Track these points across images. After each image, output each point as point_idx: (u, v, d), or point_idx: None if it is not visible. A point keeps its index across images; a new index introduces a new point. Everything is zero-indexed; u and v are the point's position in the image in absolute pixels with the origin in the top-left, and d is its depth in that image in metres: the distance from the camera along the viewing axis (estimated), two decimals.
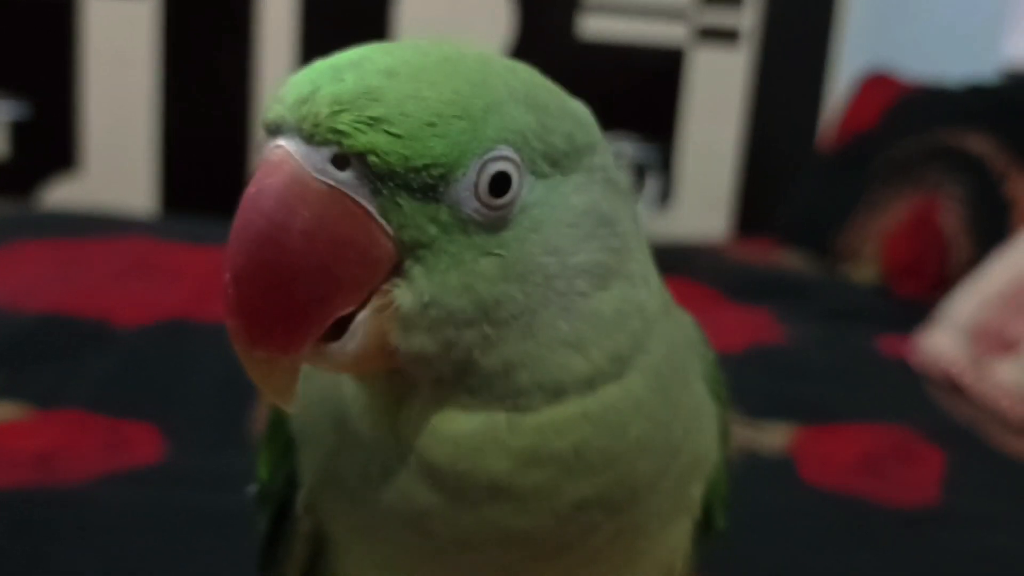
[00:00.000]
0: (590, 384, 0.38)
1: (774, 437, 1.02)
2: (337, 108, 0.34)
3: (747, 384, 1.13)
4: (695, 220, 2.26)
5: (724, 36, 2.22)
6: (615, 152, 0.42)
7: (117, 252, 1.39)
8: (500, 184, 0.36)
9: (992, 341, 1.18)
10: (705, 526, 0.47)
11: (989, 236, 1.45)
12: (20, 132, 2.17)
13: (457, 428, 0.37)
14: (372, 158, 0.34)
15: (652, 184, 2.21)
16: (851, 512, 0.89)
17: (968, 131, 1.60)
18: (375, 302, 0.35)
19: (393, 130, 0.34)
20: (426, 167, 0.34)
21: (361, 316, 0.35)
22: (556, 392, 0.38)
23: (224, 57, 2.18)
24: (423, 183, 0.34)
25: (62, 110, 2.17)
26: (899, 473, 0.97)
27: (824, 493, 0.92)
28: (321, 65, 0.36)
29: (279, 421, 0.46)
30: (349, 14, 2.18)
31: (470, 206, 0.35)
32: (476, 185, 0.35)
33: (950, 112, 1.67)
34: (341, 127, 0.34)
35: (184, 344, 1.13)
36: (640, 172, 2.20)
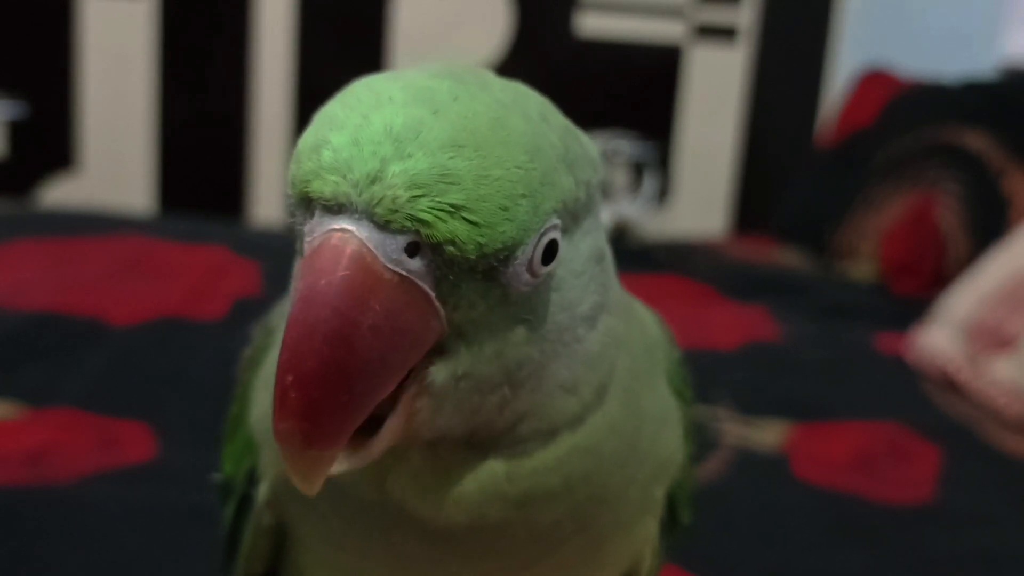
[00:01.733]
0: (580, 420, 0.38)
1: (769, 434, 1.01)
2: (416, 192, 0.31)
3: (743, 381, 1.13)
4: (693, 218, 2.25)
5: (722, 34, 2.22)
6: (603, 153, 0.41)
7: (112, 250, 1.39)
8: (548, 253, 0.35)
9: (989, 338, 1.18)
10: (671, 522, 0.47)
11: (986, 233, 1.45)
12: (18, 131, 2.16)
13: (459, 491, 0.36)
14: (449, 248, 0.32)
15: (650, 182, 2.21)
16: (846, 510, 0.89)
17: (966, 128, 1.59)
18: (409, 392, 0.34)
19: (472, 218, 0.32)
20: (495, 252, 0.33)
21: (390, 420, 0.34)
22: (551, 434, 0.38)
23: (221, 57, 2.18)
24: (488, 266, 0.33)
25: (60, 109, 2.16)
26: (895, 471, 0.97)
27: (819, 491, 0.92)
28: (367, 128, 0.32)
29: (239, 416, 0.46)
30: (346, 11, 2.18)
31: (522, 280, 0.34)
32: (531, 260, 0.34)
33: (948, 109, 1.66)
34: (422, 215, 0.31)
35: (177, 343, 1.13)
36: (638, 170, 2.20)
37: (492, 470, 0.37)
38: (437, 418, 0.35)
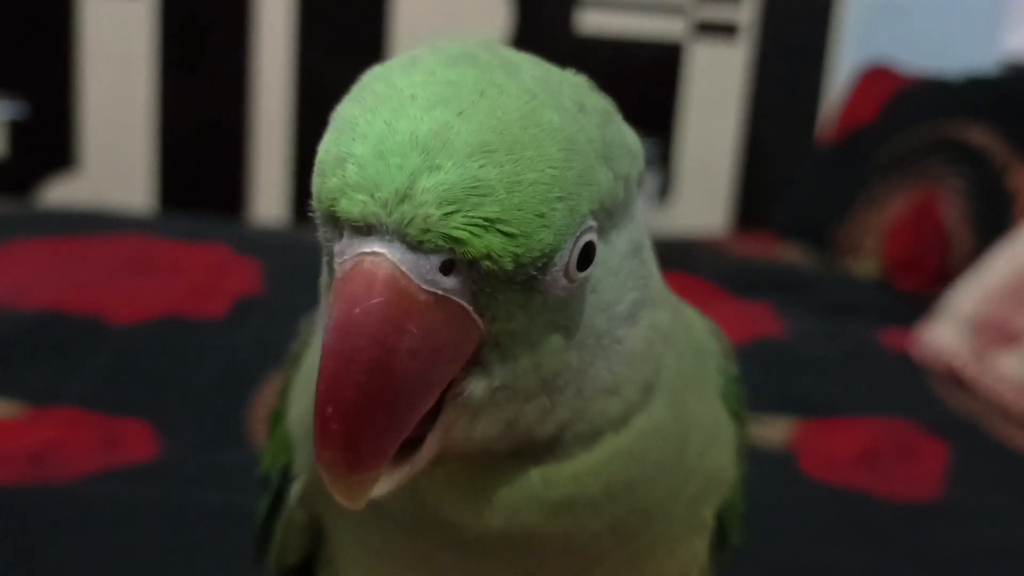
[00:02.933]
0: (624, 420, 0.37)
1: (775, 431, 1.01)
2: (449, 209, 0.30)
3: (748, 378, 1.12)
4: (695, 215, 2.25)
5: (723, 30, 2.21)
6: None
7: (113, 249, 1.38)
8: (585, 256, 0.33)
9: (995, 334, 1.17)
10: (719, 542, 0.45)
11: (990, 228, 1.45)
12: (18, 131, 2.16)
13: (495, 495, 0.35)
14: (486, 263, 0.30)
15: (651, 179, 2.20)
16: (853, 506, 0.89)
17: (968, 124, 1.59)
18: (450, 403, 0.33)
19: (507, 229, 0.30)
20: (533, 261, 0.31)
21: (430, 438, 0.33)
22: (593, 437, 0.36)
23: (222, 56, 2.17)
24: (526, 275, 0.32)
25: (60, 109, 2.16)
26: (901, 467, 0.97)
27: (825, 487, 0.91)
28: (392, 137, 0.31)
29: (279, 415, 0.45)
30: (347, 9, 2.18)
31: (560, 285, 0.33)
32: (568, 264, 0.32)
33: (950, 105, 1.66)
34: (456, 233, 0.30)
35: (179, 342, 1.12)
36: None
37: (529, 475, 0.36)
38: (475, 430, 0.34)
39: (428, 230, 0.30)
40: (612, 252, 0.35)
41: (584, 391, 0.35)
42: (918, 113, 1.70)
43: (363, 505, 0.32)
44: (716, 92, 2.23)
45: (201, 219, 1.73)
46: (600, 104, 0.36)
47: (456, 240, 0.30)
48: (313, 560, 0.46)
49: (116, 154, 2.18)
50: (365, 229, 0.30)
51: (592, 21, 2.18)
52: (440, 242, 0.30)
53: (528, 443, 0.35)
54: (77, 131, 2.17)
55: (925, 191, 1.58)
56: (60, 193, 2.17)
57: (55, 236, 1.43)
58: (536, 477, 0.36)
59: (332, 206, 0.31)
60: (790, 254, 1.71)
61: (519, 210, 0.30)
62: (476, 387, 0.33)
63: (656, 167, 2.20)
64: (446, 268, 0.31)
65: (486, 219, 0.30)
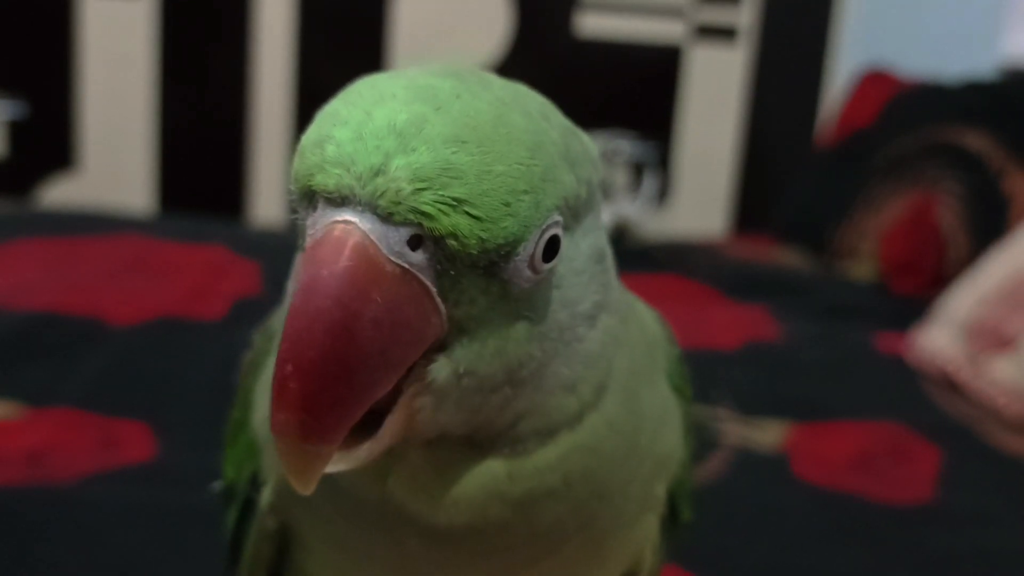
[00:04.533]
0: (579, 418, 0.38)
1: (769, 434, 1.01)
2: (420, 186, 0.32)
3: (743, 381, 1.13)
4: (693, 217, 2.25)
5: (722, 34, 2.22)
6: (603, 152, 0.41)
7: (112, 250, 1.39)
8: (550, 250, 0.35)
9: (989, 338, 1.17)
10: (671, 519, 0.47)
11: (987, 233, 1.45)
12: (17, 131, 2.16)
13: (460, 490, 0.36)
14: (451, 241, 0.32)
15: (650, 182, 2.20)
16: (846, 510, 0.89)
17: (966, 128, 1.59)
18: (412, 386, 0.34)
19: (474, 212, 0.32)
20: (497, 247, 0.33)
21: (390, 419, 0.33)
22: (550, 433, 0.37)
23: (221, 56, 2.18)
24: (489, 261, 0.33)
25: (59, 109, 2.16)
26: (894, 470, 0.97)
27: (819, 490, 0.92)
28: (370, 123, 0.33)
29: (241, 420, 0.46)
30: (347, 11, 2.18)
31: (523, 276, 0.34)
32: (532, 256, 0.34)
33: (948, 109, 1.66)
34: (424, 208, 0.32)
35: (177, 343, 1.13)
36: (638, 170, 2.20)
37: (493, 470, 0.37)
38: (439, 416, 0.35)
39: (399, 203, 0.31)
40: (577, 252, 0.37)
41: (544, 385, 0.37)
42: (916, 117, 1.71)
43: (313, 487, 0.33)
44: (715, 95, 2.24)
45: (200, 220, 1.74)
46: (562, 120, 0.38)
47: (425, 215, 0.32)
48: (281, 569, 0.46)
49: (115, 154, 2.18)
50: (339, 201, 0.32)
51: (592, 24, 2.19)
52: (410, 216, 0.32)
53: (485, 433, 0.36)
54: (76, 131, 2.18)
55: (922, 195, 1.59)
56: (59, 193, 2.18)
57: (54, 236, 1.43)
58: (501, 473, 0.37)
59: (309, 181, 0.33)
60: (787, 257, 1.72)
61: (486, 196, 0.32)
62: (440, 372, 0.34)
63: (655, 170, 2.21)
64: (414, 243, 0.32)
65: (455, 199, 0.32)
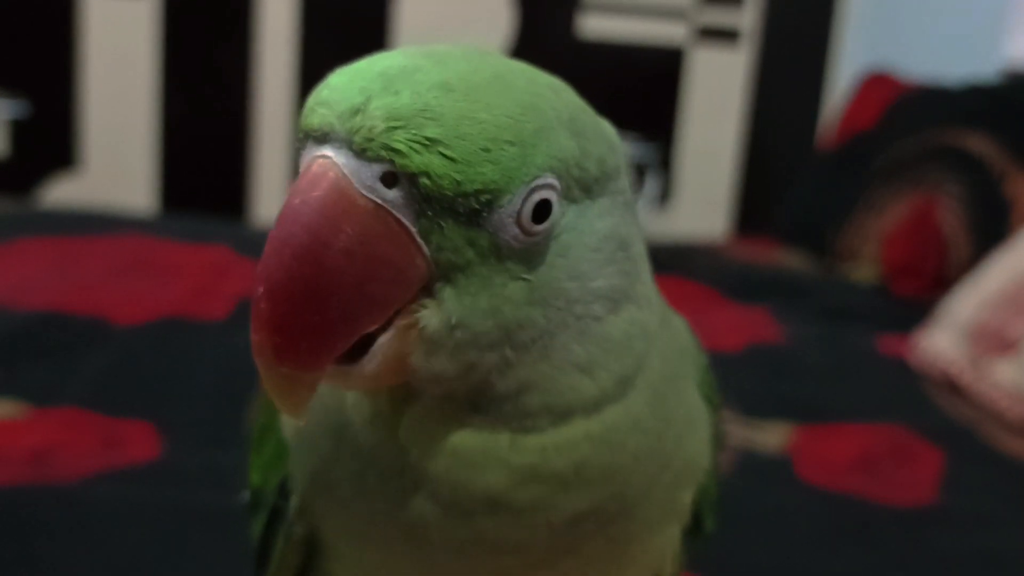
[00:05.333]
0: (596, 406, 0.38)
1: (772, 436, 1.02)
2: (393, 124, 0.33)
3: (746, 383, 1.13)
4: (694, 219, 2.25)
5: (724, 36, 2.22)
6: (629, 167, 0.42)
7: (115, 250, 1.39)
8: (541, 211, 0.35)
9: (991, 341, 1.18)
10: (694, 529, 0.46)
11: (988, 236, 1.45)
12: (20, 130, 2.17)
13: (459, 442, 0.37)
14: (424, 180, 0.33)
15: (652, 183, 2.21)
16: (849, 512, 0.89)
17: (968, 131, 1.60)
18: (400, 322, 0.35)
19: (448, 153, 0.33)
20: (475, 192, 0.33)
21: (383, 338, 0.35)
22: (563, 414, 0.37)
23: (223, 55, 2.18)
24: (469, 208, 0.34)
25: (62, 108, 2.17)
26: (897, 473, 0.97)
27: (822, 492, 0.92)
28: (368, 71, 0.34)
29: (268, 426, 0.46)
30: (349, 12, 2.18)
31: (510, 232, 0.34)
32: (519, 212, 0.34)
33: (950, 112, 1.67)
34: (396, 145, 0.33)
35: (181, 342, 1.13)
36: (640, 171, 2.20)
37: (496, 435, 0.37)
38: (432, 363, 0.35)
39: (372, 139, 0.33)
40: (589, 228, 0.37)
41: (553, 358, 0.37)
42: (918, 120, 1.71)
43: (303, 414, 0.35)
44: (717, 97, 2.24)
45: (203, 220, 1.74)
46: (577, 100, 0.38)
47: (396, 152, 0.33)
48: None
49: (117, 154, 2.19)
50: (322, 138, 0.34)
51: (594, 26, 2.19)
52: (382, 152, 0.33)
53: (489, 397, 0.37)
54: (79, 131, 2.18)
55: (924, 197, 1.59)
56: (61, 193, 2.18)
57: (56, 236, 1.43)
58: (503, 440, 0.37)
59: (302, 123, 0.35)
60: (789, 259, 1.72)
61: (463, 139, 0.33)
62: (431, 319, 0.35)
63: (657, 171, 2.21)
64: (388, 181, 0.33)
65: (428, 139, 0.33)
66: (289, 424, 0.44)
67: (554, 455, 0.37)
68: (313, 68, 2.14)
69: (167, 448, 0.90)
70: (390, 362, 0.35)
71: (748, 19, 2.21)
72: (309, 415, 0.41)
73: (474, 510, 0.38)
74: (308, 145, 0.35)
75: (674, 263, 1.59)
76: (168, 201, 2.21)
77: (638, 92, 2.23)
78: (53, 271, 1.30)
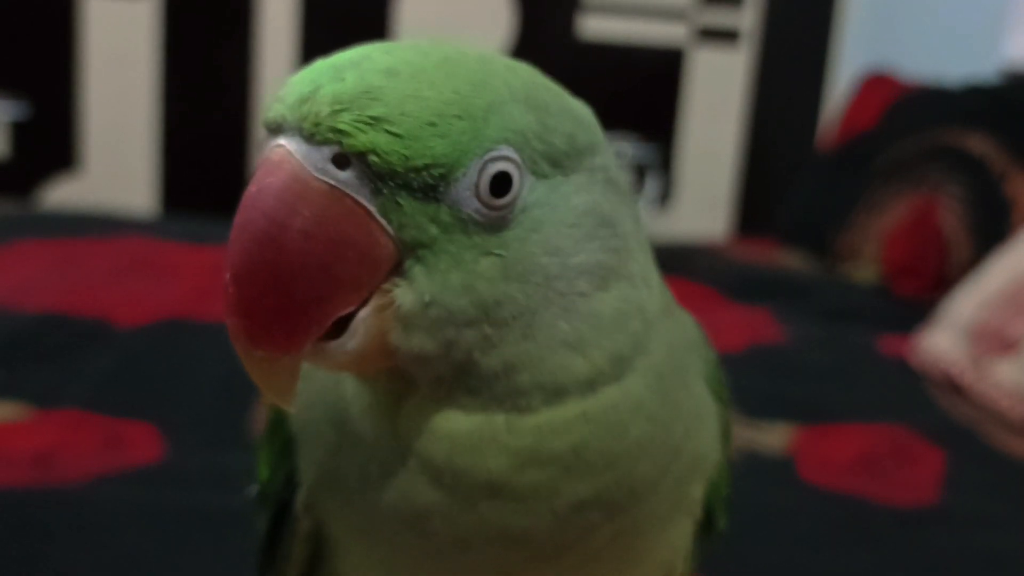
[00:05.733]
0: (590, 385, 0.38)
1: (774, 437, 1.02)
2: (338, 107, 0.34)
3: (747, 384, 1.13)
4: (695, 220, 2.26)
5: (724, 36, 2.22)
6: (616, 152, 0.42)
7: (116, 251, 1.39)
8: (501, 184, 0.35)
9: (992, 341, 1.18)
10: (706, 527, 0.46)
11: (989, 236, 1.45)
12: (20, 132, 2.17)
13: (455, 426, 0.37)
14: (372, 158, 0.34)
15: (652, 184, 2.21)
16: (850, 512, 0.89)
17: (968, 131, 1.60)
18: (376, 301, 0.35)
19: (393, 130, 0.34)
20: (426, 167, 0.34)
21: (361, 315, 0.35)
22: (556, 393, 0.37)
23: (224, 56, 2.18)
24: (423, 183, 0.34)
25: (62, 110, 2.17)
26: (898, 473, 0.97)
27: (824, 493, 0.92)
28: (322, 64, 0.36)
29: (278, 421, 0.46)
30: (349, 13, 2.18)
31: (471, 206, 0.35)
32: (477, 185, 0.35)
33: (950, 112, 1.67)
34: (341, 126, 0.34)
35: (183, 344, 1.13)
36: (640, 172, 2.20)
37: (492, 417, 0.37)
38: (411, 340, 0.36)
39: (319, 124, 0.34)
40: (563, 203, 0.37)
41: (538, 335, 0.37)
42: (918, 120, 1.71)
43: (289, 399, 0.36)
44: (717, 98, 2.24)
45: (203, 221, 1.74)
46: (542, 80, 0.39)
47: (342, 133, 0.34)
48: (313, 573, 0.46)
49: (118, 155, 2.19)
50: (277, 129, 0.35)
51: (594, 26, 2.19)
52: (329, 135, 0.34)
53: (476, 375, 0.37)
54: (79, 132, 2.18)
55: (924, 198, 1.59)
56: (61, 194, 2.18)
57: (57, 237, 1.43)
58: (500, 422, 0.37)
59: (262, 121, 0.36)
60: (790, 260, 1.72)
61: (407, 116, 0.34)
62: (404, 297, 0.35)
63: (657, 172, 2.21)
64: (340, 162, 0.34)
65: (372, 118, 0.34)
66: (295, 417, 0.44)
67: (551, 436, 0.37)
68: None
69: (169, 449, 0.90)
70: (371, 340, 0.35)
71: (748, 19, 2.21)
72: (312, 409, 0.42)
73: (477, 496, 0.38)
74: (268, 139, 0.36)
75: (675, 264, 1.58)
76: (168, 202, 2.21)
77: (638, 93, 2.23)
78: (54, 273, 1.30)
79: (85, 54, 2.14)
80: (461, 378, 0.37)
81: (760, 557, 0.81)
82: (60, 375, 1.02)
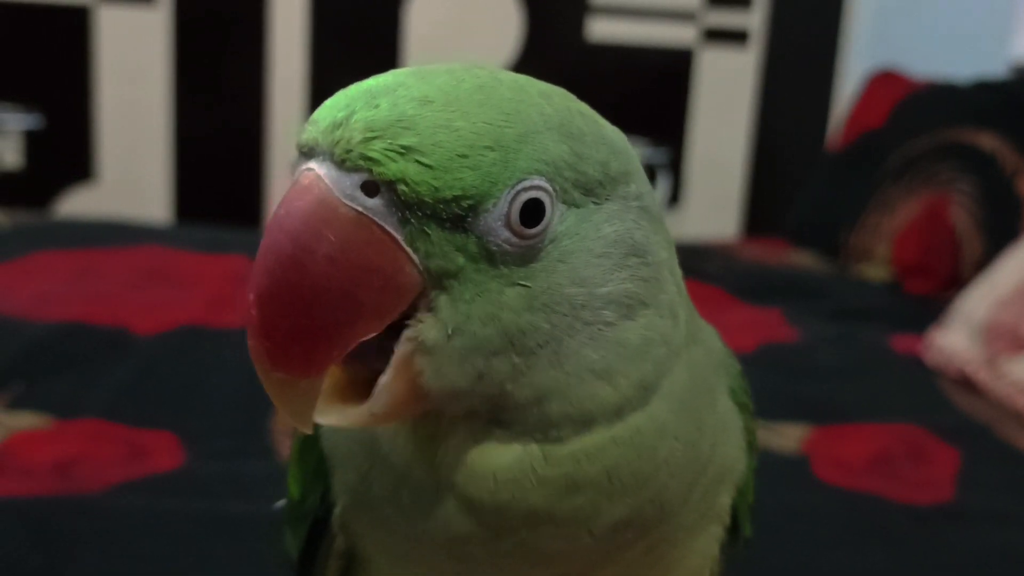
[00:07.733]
0: (618, 413, 0.38)
1: (788, 436, 1.02)
2: (370, 135, 0.34)
3: (760, 384, 1.13)
4: (705, 221, 2.26)
5: (732, 37, 2.22)
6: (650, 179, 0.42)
7: (133, 261, 1.40)
8: (533, 214, 0.35)
9: (1006, 339, 1.18)
10: (733, 533, 0.47)
11: (1000, 233, 1.45)
12: (35, 143, 2.18)
13: (495, 463, 0.37)
14: (401, 187, 0.34)
15: (661, 185, 2.21)
16: (866, 510, 0.90)
17: (978, 128, 1.60)
18: (403, 344, 0.35)
19: (424, 160, 0.33)
20: (455, 198, 0.34)
21: (383, 378, 0.35)
22: (585, 422, 0.38)
23: (237, 67, 2.19)
24: (452, 213, 0.34)
25: (77, 121, 2.18)
26: (914, 471, 0.98)
27: (839, 492, 0.92)
28: (356, 90, 0.36)
29: (311, 439, 0.46)
30: (360, 21, 2.19)
31: (501, 236, 0.35)
32: (508, 215, 0.35)
33: (959, 109, 1.67)
34: (372, 154, 0.34)
35: (202, 352, 1.14)
36: (650, 173, 2.20)
37: (529, 449, 0.37)
38: (442, 379, 0.35)
39: (350, 150, 0.34)
40: (593, 231, 0.37)
41: (565, 364, 0.37)
42: (927, 118, 1.71)
43: (309, 425, 0.36)
44: (726, 98, 2.24)
45: (218, 230, 1.75)
46: (576, 104, 0.39)
47: (373, 160, 0.34)
48: None
49: (132, 165, 2.20)
50: (309, 153, 0.35)
51: (603, 28, 2.20)
52: (360, 162, 0.34)
53: (509, 408, 0.37)
54: (93, 142, 2.19)
55: (935, 196, 1.59)
56: (77, 205, 2.19)
57: (74, 248, 1.44)
58: (536, 453, 0.37)
59: (296, 143, 0.36)
60: (801, 259, 1.72)
61: (439, 146, 0.34)
62: (429, 330, 0.35)
63: (666, 173, 2.21)
64: (370, 190, 0.34)
65: (404, 147, 0.34)
66: (327, 437, 0.44)
67: (585, 462, 0.38)
68: (325, 79, 2.16)
69: (190, 458, 0.91)
70: (400, 388, 0.35)
71: (756, 20, 2.21)
72: (340, 430, 0.42)
73: (518, 526, 0.38)
74: (300, 161, 0.36)
75: (685, 265, 1.59)
76: (183, 211, 2.23)
77: (647, 94, 2.23)
78: (72, 283, 1.31)
79: (99, 65, 2.16)
80: (494, 412, 0.37)
81: (776, 556, 0.82)
82: (80, 385, 1.03)
